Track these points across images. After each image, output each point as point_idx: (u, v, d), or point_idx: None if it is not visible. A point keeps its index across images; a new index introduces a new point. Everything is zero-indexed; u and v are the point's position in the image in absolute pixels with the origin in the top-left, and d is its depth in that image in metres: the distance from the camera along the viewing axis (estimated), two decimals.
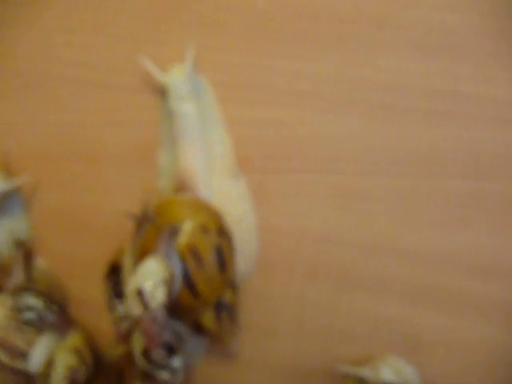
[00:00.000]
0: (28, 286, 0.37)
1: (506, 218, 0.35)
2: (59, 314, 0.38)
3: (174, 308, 0.32)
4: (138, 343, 0.36)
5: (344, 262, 0.38)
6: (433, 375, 0.41)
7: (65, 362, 0.37)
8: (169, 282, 0.30)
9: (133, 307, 0.29)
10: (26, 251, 0.41)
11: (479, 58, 0.31)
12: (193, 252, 0.32)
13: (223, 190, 0.36)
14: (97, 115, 0.36)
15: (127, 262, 0.36)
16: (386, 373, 0.40)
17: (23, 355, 0.37)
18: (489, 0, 0.30)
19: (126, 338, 0.38)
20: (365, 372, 0.40)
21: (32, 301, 0.36)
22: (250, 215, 0.37)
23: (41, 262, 0.42)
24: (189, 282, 0.32)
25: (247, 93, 0.34)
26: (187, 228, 0.32)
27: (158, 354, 0.36)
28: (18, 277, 0.39)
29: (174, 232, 0.31)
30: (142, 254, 0.33)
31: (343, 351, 0.42)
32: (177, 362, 0.37)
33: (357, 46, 0.32)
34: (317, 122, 0.34)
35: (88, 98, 0.36)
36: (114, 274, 0.37)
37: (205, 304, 0.33)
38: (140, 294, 0.29)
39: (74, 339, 0.40)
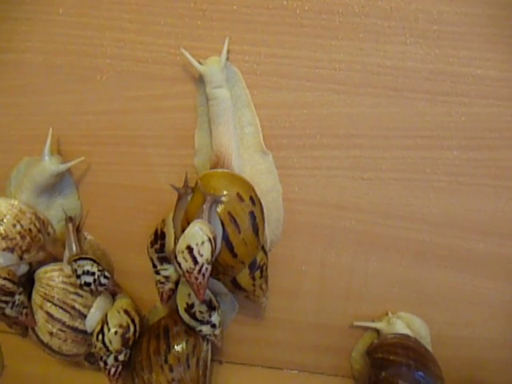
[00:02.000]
0: (84, 255, 0.42)
1: (503, 184, 0.40)
2: (111, 278, 0.42)
3: (215, 267, 0.37)
4: (181, 302, 0.41)
5: (360, 227, 0.43)
6: (440, 327, 0.46)
7: (116, 320, 0.43)
8: (212, 242, 0.35)
9: (183, 262, 0.34)
10: (75, 226, 0.45)
11: (474, 42, 0.36)
12: (231, 217, 0.37)
13: (253, 164, 0.41)
14: (140, 103, 0.41)
15: (170, 229, 0.40)
16: (399, 326, 0.45)
17: (81, 315, 0.42)
18: None
19: (168, 298, 0.43)
20: (381, 325, 0.45)
21: (89, 267, 0.41)
22: (276, 187, 0.42)
23: (88, 236, 0.47)
24: (228, 243, 0.37)
25: (273, 79, 0.39)
26: (226, 197, 0.36)
27: (200, 309, 0.41)
28: (72, 248, 0.44)
29: (215, 200, 0.36)
30: (186, 220, 0.37)
31: (361, 309, 0.47)
32: (216, 317, 0.42)
33: (368, 36, 0.37)
34: (334, 104, 0.39)
35: (133, 88, 0.41)
36: (158, 242, 0.41)
37: (241, 263, 0.38)
38: (189, 250, 0.34)
39: (122, 301, 0.45)
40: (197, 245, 0.34)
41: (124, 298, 0.45)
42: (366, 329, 0.47)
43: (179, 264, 0.34)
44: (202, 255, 0.34)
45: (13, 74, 0.41)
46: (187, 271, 0.34)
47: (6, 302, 0.39)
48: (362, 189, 0.42)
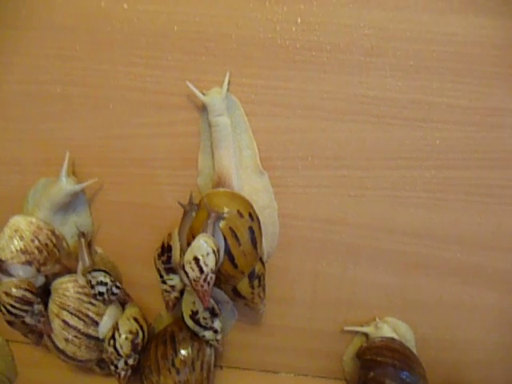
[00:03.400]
0: (97, 267, 0.46)
1: (475, 199, 0.45)
2: (121, 288, 0.46)
3: (218, 277, 0.41)
4: (186, 309, 0.45)
5: (348, 240, 0.47)
6: (423, 331, 0.50)
7: (127, 327, 0.46)
8: (216, 253, 0.39)
9: (190, 271, 0.38)
10: (87, 241, 0.49)
11: (446, 76, 0.40)
12: (232, 232, 0.41)
13: (251, 184, 0.45)
14: (149, 129, 0.45)
15: (176, 243, 0.44)
16: (386, 330, 0.49)
17: (94, 323, 0.46)
18: (449, 31, 0.40)
19: (173, 306, 0.47)
20: (369, 330, 0.49)
21: (102, 277, 0.45)
22: (272, 204, 0.46)
23: (99, 250, 0.51)
24: (230, 255, 0.41)
25: (268, 108, 0.43)
26: (228, 213, 0.41)
27: (204, 316, 0.45)
28: (85, 261, 0.47)
29: (219, 217, 0.40)
30: (191, 234, 0.41)
31: (350, 315, 0.51)
32: (218, 323, 0.46)
33: (352, 70, 0.41)
34: (323, 129, 0.44)
35: (142, 116, 0.45)
36: (165, 254, 0.45)
37: (241, 273, 0.42)
38: (196, 261, 0.38)
39: (131, 310, 0.48)
40: (202, 256, 0.38)
41: (133, 306, 0.49)
42: (356, 333, 0.51)
43: (186, 273, 0.38)
44: (207, 265, 0.38)
45: (33, 103, 0.45)
46: (194, 280, 0.38)
47: (26, 311, 0.43)
48: (349, 205, 0.46)
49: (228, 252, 0.41)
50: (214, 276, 0.39)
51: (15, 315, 0.43)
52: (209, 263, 0.38)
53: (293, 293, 0.50)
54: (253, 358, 0.54)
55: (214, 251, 0.39)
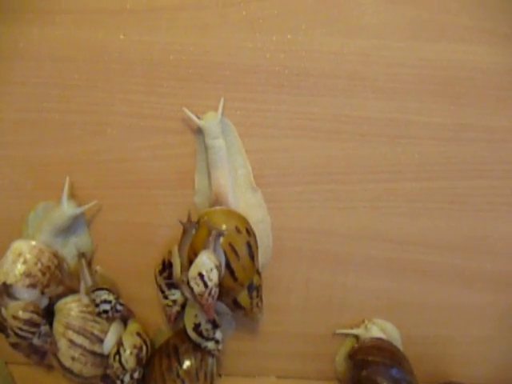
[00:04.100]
0: (100, 286, 0.48)
1: (450, 207, 0.49)
2: (124, 305, 0.48)
3: (219, 290, 0.43)
4: (189, 322, 0.48)
5: (337, 249, 0.51)
6: (408, 330, 0.54)
7: (131, 342, 0.48)
8: (219, 268, 0.41)
9: (195, 286, 0.41)
10: (87, 261, 0.51)
11: (422, 96, 0.44)
12: (232, 247, 0.43)
13: (246, 200, 0.48)
14: (146, 152, 0.47)
15: (176, 259, 0.46)
16: (374, 331, 0.52)
17: (99, 340, 0.48)
18: (423, 56, 0.44)
19: (175, 320, 0.49)
20: (359, 331, 0.53)
21: (106, 296, 0.47)
22: (266, 218, 0.49)
23: (98, 268, 0.52)
24: (230, 270, 0.43)
25: (260, 129, 0.46)
26: (227, 230, 0.43)
27: (206, 327, 0.47)
28: (87, 280, 0.49)
29: (219, 234, 0.43)
30: (192, 251, 0.44)
31: (341, 318, 0.54)
32: (219, 334, 0.48)
33: (337, 93, 0.45)
34: (311, 148, 0.47)
35: (139, 139, 0.47)
36: (166, 270, 0.47)
37: (241, 286, 0.45)
38: (200, 276, 0.40)
39: (133, 326, 0.50)
40: (206, 271, 0.41)
41: (135, 322, 0.51)
42: (347, 335, 0.55)
43: (191, 288, 0.41)
44: (211, 280, 0.41)
45: (31, 130, 0.47)
46: (199, 294, 0.41)
47: (34, 333, 0.44)
48: (338, 216, 0.49)
49: (228, 266, 0.43)
50: (217, 290, 0.41)
51: (23, 337, 0.44)
52: (213, 278, 0.41)
53: (286, 300, 0.53)
54: (250, 364, 0.56)
55: (216, 266, 0.41)
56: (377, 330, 0.53)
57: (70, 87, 0.45)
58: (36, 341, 0.45)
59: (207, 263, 0.41)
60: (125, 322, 0.51)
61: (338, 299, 0.53)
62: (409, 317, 0.54)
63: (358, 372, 0.50)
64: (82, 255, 0.50)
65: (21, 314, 0.44)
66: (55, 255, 0.48)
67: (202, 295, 0.41)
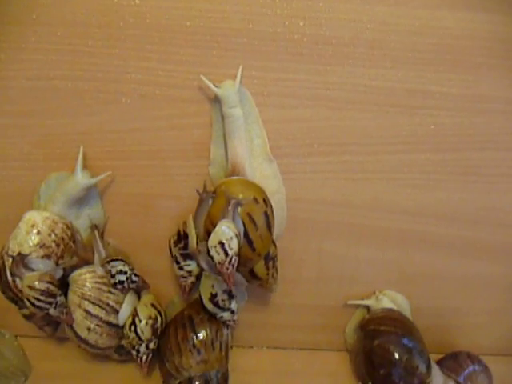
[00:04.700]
0: (116, 257, 0.47)
1: (464, 178, 0.49)
2: (140, 276, 0.48)
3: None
4: (205, 293, 0.48)
5: (351, 220, 0.51)
6: (418, 301, 0.55)
7: (146, 313, 0.48)
8: (238, 237, 0.41)
9: (216, 255, 0.41)
10: (100, 233, 0.50)
11: (440, 66, 0.44)
12: (250, 217, 0.43)
13: (261, 171, 0.48)
14: (161, 122, 0.47)
15: (192, 230, 0.46)
16: (385, 302, 0.53)
17: (114, 311, 0.48)
18: (443, 25, 0.43)
19: (189, 291, 0.49)
20: (371, 302, 0.53)
21: (122, 266, 0.47)
22: (281, 189, 0.49)
23: (110, 241, 0.52)
24: (248, 239, 0.43)
25: (277, 99, 0.46)
26: (245, 200, 0.43)
27: (222, 298, 0.47)
28: (101, 252, 0.49)
29: (238, 203, 0.42)
30: (209, 221, 0.44)
31: (352, 290, 0.55)
32: (234, 304, 0.48)
33: (355, 62, 0.44)
34: (328, 118, 0.47)
35: (154, 109, 0.46)
36: (182, 241, 0.47)
37: (258, 256, 0.45)
38: (221, 245, 0.40)
39: (148, 297, 0.50)
40: (227, 240, 0.40)
41: (148, 293, 0.51)
42: (357, 307, 0.55)
43: (212, 257, 0.41)
44: (231, 249, 0.41)
45: (43, 99, 0.46)
46: (219, 263, 0.41)
47: (50, 303, 0.44)
48: (352, 188, 0.49)
49: (246, 236, 0.43)
50: (237, 259, 0.41)
51: (40, 308, 0.44)
52: (233, 247, 0.41)
53: (298, 272, 0.53)
54: (260, 337, 0.57)
55: (236, 235, 0.41)
56: (387, 301, 0.54)
57: (83, 54, 0.44)
58: (52, 311, 0.44)
59: (227, 232, 0.41)
60: (138, 293, 0.51)
61: (349, 271, 0.54)
62: (418, 288, 0.55)
63: (370, 342, 0.50)
64: (94, 227, 0.49)
65: (37, 284, 0.43)
66: (68, 226, 0.47)
67: (222, 264, 0.41)
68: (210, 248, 0.41)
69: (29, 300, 0.43)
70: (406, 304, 0.55)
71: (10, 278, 0.44)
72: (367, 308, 0.55)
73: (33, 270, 0.44)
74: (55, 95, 0.46)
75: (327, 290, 0.55)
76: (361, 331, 0.53)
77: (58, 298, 0.45)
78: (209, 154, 0.48)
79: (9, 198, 0.50)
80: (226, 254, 0.40)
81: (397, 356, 0.48)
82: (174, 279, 0.54)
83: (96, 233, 0.49)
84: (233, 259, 0.41)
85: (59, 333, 0.52)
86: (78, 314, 0.46)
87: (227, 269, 0.41)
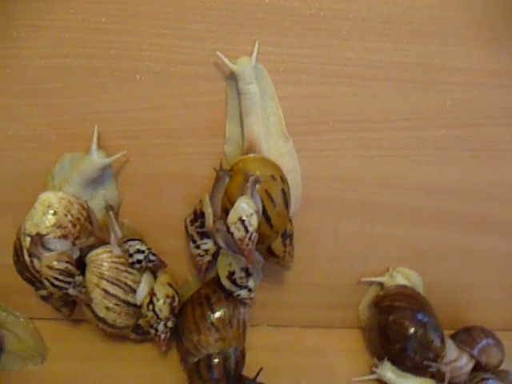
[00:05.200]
0: (132, 237, 0.47)
1: (479, 154, 0.49)
2: (157, 255, 0.48)
3: None
4: (223, 271, 0.48)
5: (366, 198, 0.51)
6: (431, 278, 0.55)
7: (163, 292, 0.48)
8: (258, 214, 0.41)
9: (236, 231, 0.41)
10: (115, 213, 0.50)
11: (457, 41, 0.44)
12: (268, 194, 0.43)
13: (277, 149, 0.47)
14: (176, 100, 0.46)
15: (208, 209, 0.46)
16: (399, 278, 0.54)
17: (132, 290, 0.48)
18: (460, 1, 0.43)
19: (206, 270, 0.50)
20: (385, 279, 0.54)
21: (139, 246, 0.47)
22: (296, 167, 0.49)
23: (125, 221, 0.52)
24: (266, 217, 0.43)
25: (293, 75, 0.45)
26: (263, 177, 0.43)
27: (240, 275, 0.47)
28: (117, 232, 0.49)
29: (256, 180, 0.42)
30: (227, 198, 0.44)
31: (366, 267, 0.55)
32: (252, 282, 0.49)
33: (372, 37, 0.44)
34: (343, 94, 0.46)
35: (169, 87, 0.46)
36: (198, 220, 0.47)
37: (276, 233, 0.45)
38: (241, 221, 0.40)
39: (164, 277, 0.50)
40: (247, 216, 0.41)
41: (164, 273, 0.51)
42: (371, 284, 0.56)
43: (232, 234, 0.41)
44: (252, 225, 0.41)
45: (56, 78, 0.45)
46: (239, 239, 0.41)
47: (69, 283, 0.44)
48: (367, 165, 0.49)
49: (264, 213, 0.43)
50: (257, 235, 0.41)
51: (59, 288, 0.44)
52: (253, 223, 0.41)
53: (313, 250, 0.54)
54: (274, 315, 0.58)
55: (256, 212, 0.41)
56: (401, 277, 0.54)
57: (97, 31, 0.43)
58: (71, 291, 0.44)
59: (247, 208, 0.41)
60: (153, 274, 0.51)
61: (363, 249, 0.54)
62: (431, 265, 0.55)
63: (385, 317, 0.51)
64: (109, 207, 0.49)
65: (56, 264, 0.43)
66: (84, 207, 0.47)
67: (242, 240, 0.41)
68: (229, 225, 0.41)
69: (48, 280, 0.43)
70: (419, 281, 0.55)
71: (27, 258, 0.44)
72: (381, 285, 0.55)
73: (51, 250, 0.44)
74: (69, 74, 0.45)
75: (341, 268, 0.55)
76: (375, 308, 0.54)
77: (77, 278, 0.45)
78: (224, 132, 0.47)
79: (22, 180, 0.50)
80: (247, 230, 0.40)
81: (412, 331, 0.49)
82: (188, 259, 0.54)
83: (111, 213, 0.49)
84: (253, 236, 0.41)
85: (74, 315, 0.52)
86: (96, 294, 0.46)
87: (247, 245, 0.41)
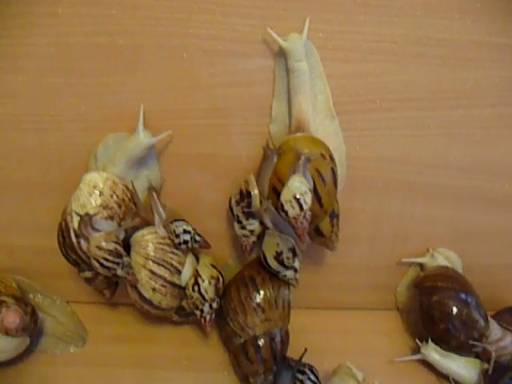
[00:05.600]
0: (178, 217, 0.47)
1: None
2: (202, 236, 0.48)
3: None
4: (270, 251, 0.47)
5: (409, 178, 0.51)
6: (470, 259, 0.55)
7: (208, 273, 0.48)
8: (312, 192, 0.41)
9: (290, 209, 0.40)
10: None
11: (509, 16, 0.43)
12: (319, 173, 0.43)
13: (324, 128, 0.47)
14: (222, 78, 0.45)
15: (254, 188, 0.46)
16: (440, 259, 0.53)
17: (177, 271, 0.47)
18: None
19: (250, 251, 0.49)
20: (426, 260, 0.54)
21: (185, 226, 0.46)
22: (341, 147, 0.48)
23: (166, 203, 0.51)
24: (317, 195, 0.43)
25: (342, 53, 0.45)
26: (313, 156, 0.42)
27: (287, 256, 0.47)
28: (161, 213, 0.48)
29: (308, 159, 0.42)
30: (276, 178, 0.43)
31: (405, 248, 0.55)
32: (297, 263, 0.48)
33: (423, 13, 0.43)
34: (392, 72, 0.46)
35: (216, 65, 0.45)
36: (245, 200, 0.46)
37: (325, 213, 0.45)
38: (296, 199, 0.40)
39: (207, 258, 0.50)
40: (301, 194, 0.40)
41: (207, 255, 0.51)
42: (410, 265, 0.56)
43: (286, 212, 0.41)
44: (306, 203, 0.40)
45: (100, 56, 0.44)
46: (294, 217, 0.40)
47: (118, 264, 0.44)
48: (412, 144, 0.49)
49: (315, 192, 0.43)
50: (310, 214, 0.41)
51: (108, 268, 0.43)
52: (307, 201, 0.40)
53: (354, 231, 0.53)
54: (313, 297, 0.57)
55: (310, 190, 0.41)
56: (442, 258, 0.54)
57: (144, 7, 0.43)
58: (120, 272, 0.44)
59: (301, 186, 0.41)
60: (197, 255, 0.51)
61: (404, 230, 0.54)
62: (471, 246, 0.55)
63: (428, 298, 0.51)
64: (152, 189, 0.49)
65: (104, 244, 0.43)
66: (128, 188, 0.46)
67: (296, 218, 0.40)
68: (284, 203, 0.41)
69: (97, 261, 0.43)
70: (459, 262, 0.55)
71: (74, 239, 0.44)
72: (420, 266, 0.55)
73: (98, 230, 0.44)
74: (114, 51, 0.44)
75: (381, 250, 0.55)
76: (416, 289, 0.54)
77: (124, 259, 0.45)
78: (269, 111, 0.47)
79: (64, 161, 0.49)
80: (301, 208, 0.40)
81: (456, 310, 0.49)
82: (228, 241, 0.54)
83: (154, 194, 0.48)
84: (307, 214, 0.41)
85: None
86: (143, 275, 0.46)
87: (301, 223, 0.41)
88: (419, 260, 0.54)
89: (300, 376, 0.46)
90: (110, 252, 0.43)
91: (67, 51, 0.44)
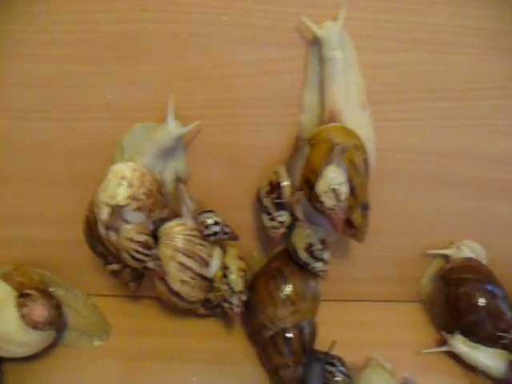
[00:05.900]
0: (206, 209, 0.46)
1: None
2: (230, 227, 0.47)
3: None
4: (300, 243, 0.47)
5: (437, 169, 0.50)
6: (495, 251, 0.55)
7: (236, 265, 0.48)
8: (347, 183, 0.41)
9: (327, 200, 0.40)
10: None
11: None
12: (352, 164, 0.42)
13: (354, 118, 0.46)
14: (252, 67, 0.45)
15: (285, 179, 0.45)
16: (466, 251, 0.53)
17: (205, 263, 0.47)
18: None
19: (280, 242, 0.49)
20: (451, 252, 0.53)
21: (215, 217, 0.46)
22: (371, 138, 0.48)
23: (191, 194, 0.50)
24: (351, 186, 0.42)
25: (375, 42, 0.44)
26: (347, 147, 0.42)
27: (318, 247, 0.46)
28: (189, 204, 0.47)
29: (343, 150, 0.41)
30: (309, 168, 0.43)
31: (430, 240, 0.54)
32: (327, 255, 0.48)
33: (457, 2, 0.43)
34: (424, 62, 0.45)
35: (246, 53, 0.44)
36: (275, 191, 0.46)
37: (358, 204, 0.44)
38: (333, 190, 0.40)
39: (234, 250, 0.50)
40: (338, 185, 0.40)
41: (234, 247, 0.50)
42: (434, 257, 0.56)
43: (322, 203, 0.40)
44: (342, 193, 0.40)
45: (129, 44, 0.43)
46: (330, 208, 0.40)
47: (148, 256, 0.43)
48: (442, 135, 0.48)
49: (350, 183, 0.42)
50: (346, 205, 0.41)
51: (139, 260, 0.43)
52: (344, 192, 0.40)
53: (379, 223, 0.53)
54: (338, 290, 0.57)
55: (346, 181, 0.40)
56: (467, 250, 0.54)
57: None
58: (150, 264, 0.44)
59: (337, 177, 0.40)
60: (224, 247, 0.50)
61: (430, 222, 0.53)
62: (496, 238, 0.55)
63: (455, 289, 0.51)
64: (179, 180, 0.48)
65: (135, 236, 0.42)
66: (155, 179, 0.46)
67: (333, 209, 0.40)
68: (320, 193, 0.40)
69: (128, 253, 0.42)
70: (483, 254, 0.55)
71: (103, 231, 0.43)
72: (445, 258, 0.55)
73: (128, 222, 0.43)
74: (144, 39, 0.43)
75: (406, 242, 0.55)
76: (441, 280, 0.53)
77: (154, 251, 0.44)
78: (300, 101, 0.46)
79: (89, 152, 0.48)
80: (338, 198, 0.40)
81: (483, 302, 0.49)
82: (254, 233, 0.53)
83: (181, 185, 0.48)
84: (343, 204, 0.40)
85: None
86: (171, 267, 0.45)
87: (337, 214, 0.40)
88: (445, 252, 0.54)
89: (330, 368, 0.46)
90: (141, 244, 0.42)
91: (96, 38, 0.43)
